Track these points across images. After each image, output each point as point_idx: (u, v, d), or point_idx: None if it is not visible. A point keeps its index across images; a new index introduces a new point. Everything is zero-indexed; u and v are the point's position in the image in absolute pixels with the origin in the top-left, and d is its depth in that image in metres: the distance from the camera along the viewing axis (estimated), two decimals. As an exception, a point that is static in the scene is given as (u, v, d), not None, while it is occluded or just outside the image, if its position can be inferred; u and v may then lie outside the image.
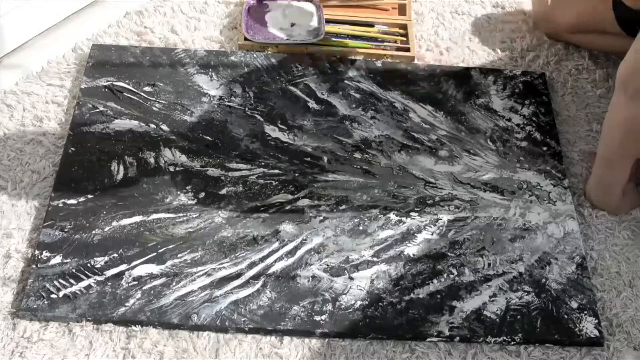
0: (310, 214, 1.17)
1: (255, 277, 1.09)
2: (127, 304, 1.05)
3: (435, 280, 1.11)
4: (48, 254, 1.09)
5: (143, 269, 1.08)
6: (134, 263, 1.09)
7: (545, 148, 1.29)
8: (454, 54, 1.45)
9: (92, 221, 1.13)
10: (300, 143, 1.26)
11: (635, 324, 1.11)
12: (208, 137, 1.25)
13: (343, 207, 1.18)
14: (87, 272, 1.07)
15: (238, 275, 1.09)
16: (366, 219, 1.17)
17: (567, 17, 1.39)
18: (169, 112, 1.28)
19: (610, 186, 1.20)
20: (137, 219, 1.14)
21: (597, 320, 1.09)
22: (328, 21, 1.45)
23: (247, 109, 1.29)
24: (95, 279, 1.07)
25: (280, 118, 1.29)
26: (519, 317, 1.08)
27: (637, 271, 1.16)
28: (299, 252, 1.12)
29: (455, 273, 1.12)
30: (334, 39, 1.42)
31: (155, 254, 1.10)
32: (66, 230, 1.11)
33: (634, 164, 1.18)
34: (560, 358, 1.07)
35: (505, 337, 1.06)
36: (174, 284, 1.07)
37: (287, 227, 1.15)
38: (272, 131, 1.27)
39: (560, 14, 1.40)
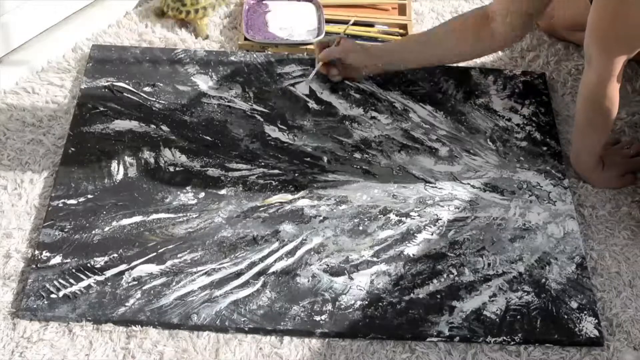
0: (310, 214, 1.17)
1: (255, 277, 1.09)
2: (127, 304, 1.05)
3: (435, 280, 1.11)
4: (48, 254, 1.09)
5: (143, 269, 1.08)
6: (133, 263, 1.09)
7: (545, 148, 1.29)
8: (454, 54, 1.45)
9: (92, 221, 1.13)
10: (300, 143, 1.26)
11: (635, 324, 1.11)
12: (208, 137, 1.25)
13: (343, 207, 1.18)
14: (87, 272, 1.07)
15: (238, 275, 1.09)
16: (366, 219, 1.17)
17: (566, 15, 1.39)
18: (169, 112, 1.28)
19: (583, 153, 1.24)
20: (137, 219, 1.14)
21: (597, 320, 1.09)
22: (328, 21, 1.45)
23: (247, 109, 1.29)
24: (95, 279, 1.07)
25: (280, 118, 1.29)
26: (518, 317, 1.08)
27: (637, 271, 1.16)
28: (299, 252, 1.12)
29: (455, 273, 1.12)
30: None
31: (155, 254, 1.10)
32: (66, 230, 1.11)
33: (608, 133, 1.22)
34: (560, 358, 1.07)
35: (505, 337, 1.06)
36: (173, 284, 1.07)
37: (287, 227, 1.15)
38: (272, 131, 1.27)
39: (560, 11, 1.40)
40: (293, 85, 1.33)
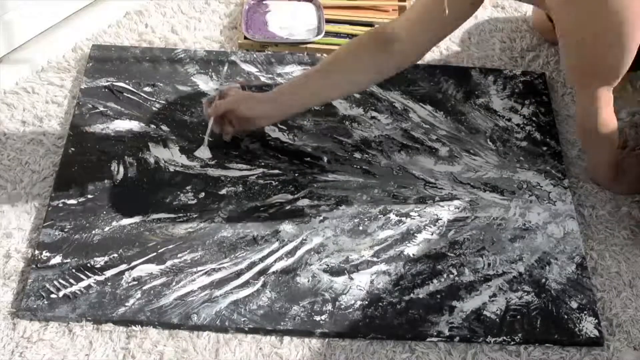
0: (310, 214, 1.17)
1: (255, 277, 1.09)
2: (127, 304, 1.05)
3: (435, 280, 1.11)
4: (48, 254, 1.09)
5: (143, 269, 1.08)
6: (133, 263, 1.09)
7: (545, 148, 1.29)
8: (454, 54, 1.45)
9: (92, 221, 1.13)
10: (300, 143, 1.26)
11: (635, 324, 1.11)
12: (208, 137, 1.25)
13: (343, 207, 1.18)
14: (87, 272, 1.07)
15: (238, 275, 1.09)
16: (366, 219, 1.17)
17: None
18: (169, 112, 1.28)
19: (598, 167, 1.25)
20: (137, 219, 1.14)
21: (597, 320, 1.09)
22: (328, 21, 1.45)
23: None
24: (95, 279, 1.07)
25: (280, 118, 1.29)
26: (518, 317, 1.08)
27: (637, 271, 1.16)
28: (299, 252, 1.12)
29: (455, 273, 1.12)
30: (334, 39, 1.42)
31: (155, 254, 1.10)
32: (66, 230, 1.11)
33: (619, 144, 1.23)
34: (560, 358, 1.07)
35: (505, 337, 1.06)
36: (173, 284, 1.07)
37: (287, 227, 1.15)
38: (272, 131, 1.27)
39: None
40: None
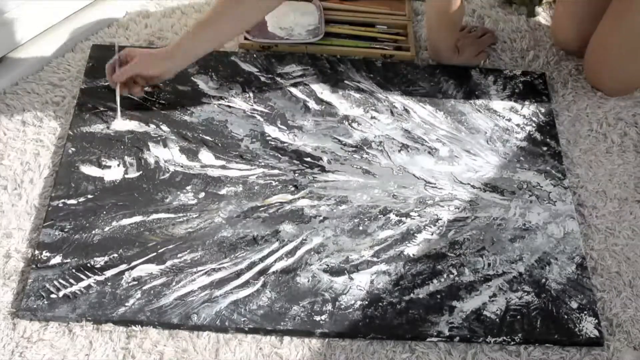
0: (310, 214, 1.17)
1: (255, 277, 1.09)
2: (127, 304, 1.05)
3: (435, 280, 1.11)
4: (48, 254, 1.09)
5: (143, 269, 1.08)
6: (133, 263, 1.09)
7: (545, 148, 1.29)
8: (454, 54, 1.45)
9: (92, 221, 1.13)
10: (300, 143, 1.26)
11: (635, 324, 1.11)
12: (208, 137, 1.25)
13: (343, 207, 1.18)
14: (87, 272, 1.07)
15: (238, 275, 1.09)
16: (366, 219, 1.17)
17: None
18: (169, 112, 1.28)
19: (440, 47, 1.38)
20: (137, 219, 1.14)
21: (597, 320, 1.09)
22: (328, 21, 1.45)
23: (247, 109, 1.29)
24: (95, 279, 1.07)
25: (280, 118, 1.29)
26: (518, 317, 1.08)
27: (637, 271, 1.16)
28: (299, 252, 1.12)
29: (455, 273, 1.12)
30: (334, 39, 1.42)
31: (155, 254, 1.10)
32: (66, 230, 1.11)
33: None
34: (560, 358, 1.07)
35: (505, 337, 1.06)
36: (173, 284, 1.07)
37: (287, 227, 1.15)
38: (272, 131, 1.27)
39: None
40: (295, 85, 1.33)
